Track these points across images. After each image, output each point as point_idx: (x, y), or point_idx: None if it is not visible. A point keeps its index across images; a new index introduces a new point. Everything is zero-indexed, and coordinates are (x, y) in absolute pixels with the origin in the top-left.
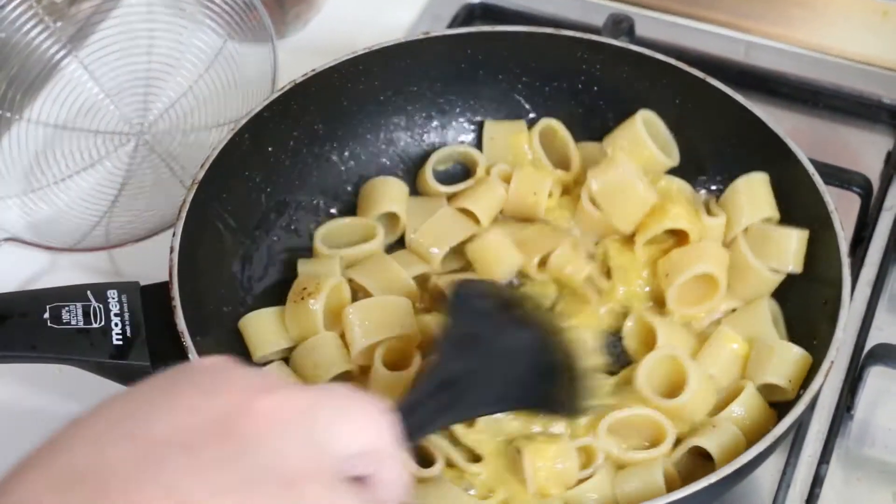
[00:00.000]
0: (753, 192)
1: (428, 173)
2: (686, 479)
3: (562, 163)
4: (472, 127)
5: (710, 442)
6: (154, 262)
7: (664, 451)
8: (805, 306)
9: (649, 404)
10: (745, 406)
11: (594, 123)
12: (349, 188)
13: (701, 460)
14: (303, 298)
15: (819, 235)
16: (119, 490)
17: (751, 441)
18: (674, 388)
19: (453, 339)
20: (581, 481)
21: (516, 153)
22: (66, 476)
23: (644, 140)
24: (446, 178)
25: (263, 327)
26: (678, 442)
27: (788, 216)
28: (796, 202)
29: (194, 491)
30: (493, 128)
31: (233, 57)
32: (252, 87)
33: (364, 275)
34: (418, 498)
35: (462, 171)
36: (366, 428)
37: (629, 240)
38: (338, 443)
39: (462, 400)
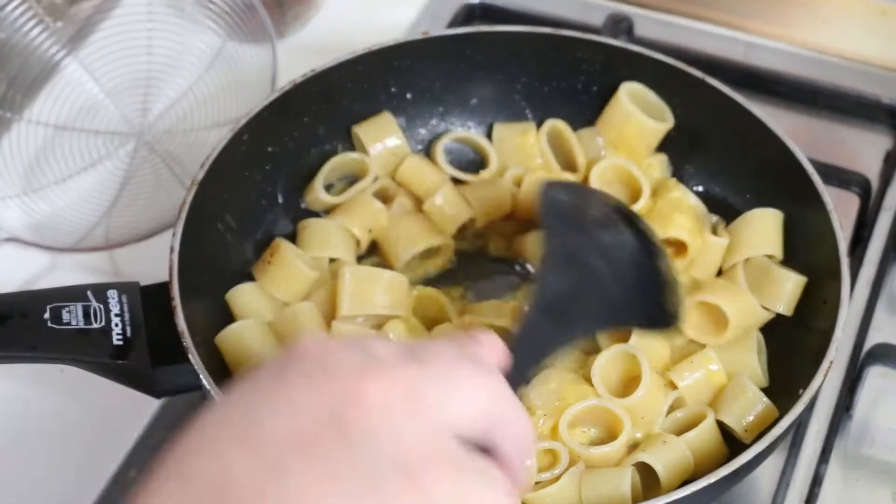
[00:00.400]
0: (764, 226)
1: (439, 151)
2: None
3: (568, 163)
4: (471, 126)
5: (658, 459)
6: (154, 262)
7: (622, 442)
8: (804, 306)
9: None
10: (701, 435)
11: (594, 123)
12: None
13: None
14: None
15: (818, 235)
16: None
17: (697, 469)
18: (629, 388)
19: (554, 255)
20: (538, 483)
21: (525, 155)
22: (194, 487)
23: (630, 112)
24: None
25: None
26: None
27: (788, 217)
28: (795, 203)
29: (319, 499)
30: (501, 130)
31: (232, 57)
32: (252, 88)
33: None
34: None
35: (475, 163)
36: (476, 391)
37: None
38: (451, 414)
39: (567, 324)
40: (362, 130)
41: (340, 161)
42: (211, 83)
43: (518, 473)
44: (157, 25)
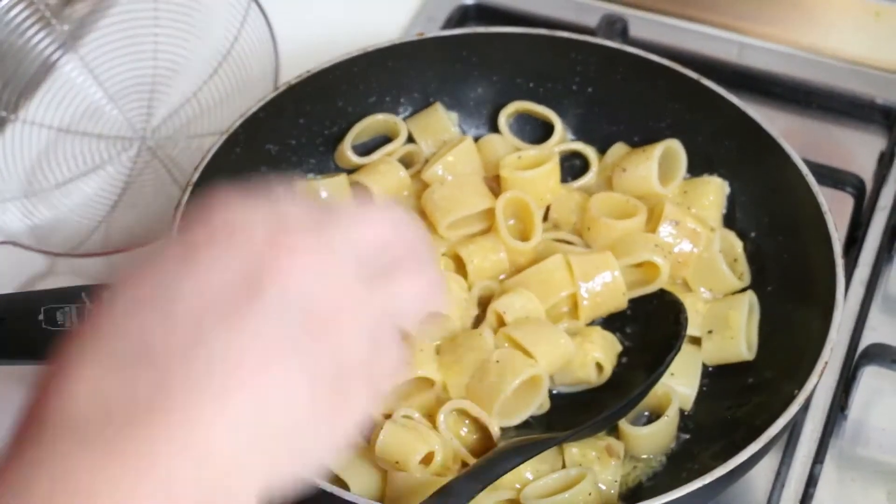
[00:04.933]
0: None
1: (502, 122)
2: None
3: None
4: (466, 127)
5: None
6: None
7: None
8: (800, 307)
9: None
10: None
11: (590, 125)
12: None
13: None
14: None
15: (812, 236)
16: (176, 371)
17: None
18: None
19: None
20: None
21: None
22: (123, 359)
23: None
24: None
25: None
26: None
27: (782, 217)
28: (790, 203)
29: (240, 359)
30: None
31: (237, 64)
32: (254, 92)
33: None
34: None
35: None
36: (379, 224)
37: None
38: (355, 246)
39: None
40: (413, 125)
41: (372, 122)
42: (215, 89)
43: (427, 290)
44: (164, 31)
